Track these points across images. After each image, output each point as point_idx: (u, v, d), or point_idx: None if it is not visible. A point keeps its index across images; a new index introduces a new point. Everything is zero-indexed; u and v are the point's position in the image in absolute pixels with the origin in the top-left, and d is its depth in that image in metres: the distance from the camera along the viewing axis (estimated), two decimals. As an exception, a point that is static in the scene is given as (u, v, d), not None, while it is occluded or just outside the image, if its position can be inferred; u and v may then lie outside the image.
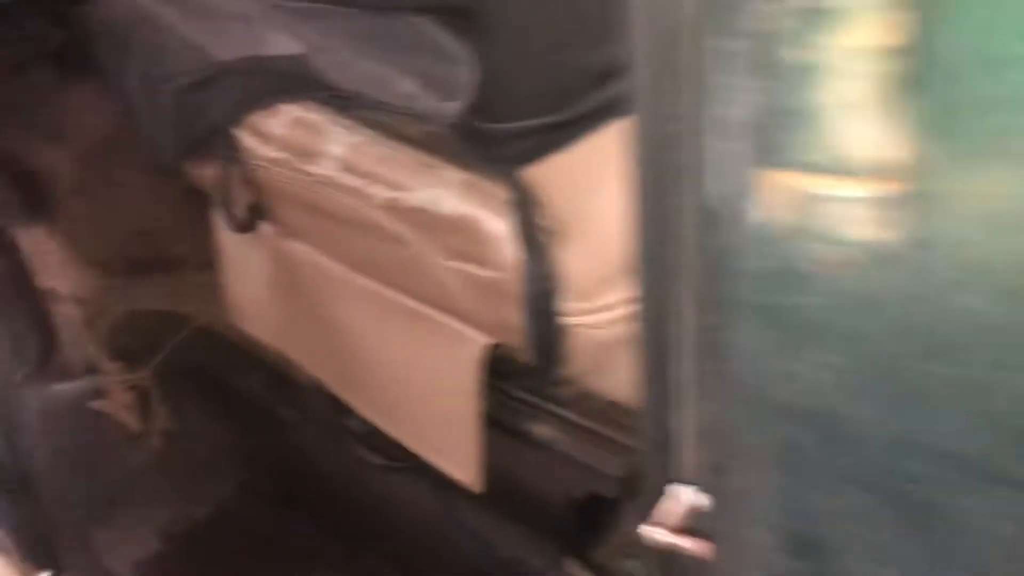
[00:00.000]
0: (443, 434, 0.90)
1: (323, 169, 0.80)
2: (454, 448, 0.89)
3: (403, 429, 0.94)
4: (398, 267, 0.83)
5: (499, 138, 0.65)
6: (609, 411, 0.87)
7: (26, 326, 1.32)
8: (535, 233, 0.65)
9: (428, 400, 0.90)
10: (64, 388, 1.34)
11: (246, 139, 0.86)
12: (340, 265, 0.90)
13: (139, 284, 1.49)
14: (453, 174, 0.74)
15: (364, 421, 1.19)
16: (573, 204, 0.64)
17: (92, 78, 1.66)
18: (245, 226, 0.92)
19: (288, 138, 0.82)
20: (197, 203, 1.56)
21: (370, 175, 0.78)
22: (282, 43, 0.88)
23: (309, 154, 0.81)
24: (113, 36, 0.93)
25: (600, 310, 0.65)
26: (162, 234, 1.55)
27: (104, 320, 1.41)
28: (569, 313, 0.67)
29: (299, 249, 0.95)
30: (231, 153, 0.88)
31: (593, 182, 0.62)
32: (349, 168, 0.79)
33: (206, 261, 1.52)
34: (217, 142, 0.89)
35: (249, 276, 1.10)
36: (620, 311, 0.65)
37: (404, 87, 0.85)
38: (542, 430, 0.93)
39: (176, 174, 1.60)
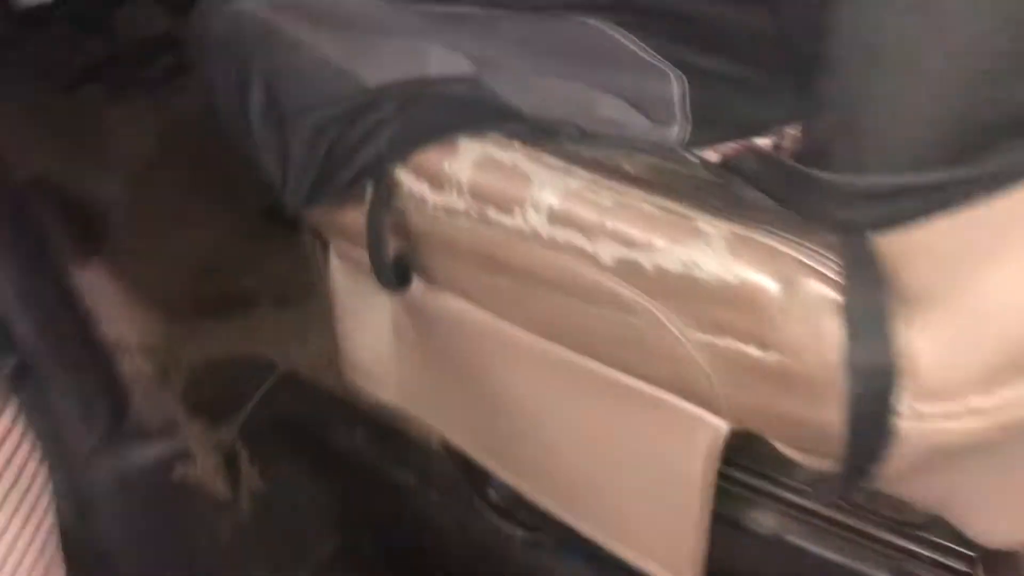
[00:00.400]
0: (655, 531, 0.73)
1: (525, 222, 0.63)
2: (669, 549, 0.73)
3: (595, 521, 0.78)
4: (613, 336, 0.66)
5: (846, 193, 0.48)
6: (867, 502, 0.71)
7: (95, 386, 1.14)
8: (876, 311, 0.49)
9: (636, 491, 0.73)
10: (140, 453, 1.16)
11: (410, 183, 0.69)
12: (519, 328, 0.74)
13: (212, 327, 1.31)
14: (714, 226, 0.57)
15: (505, 490, 1.03)
16: (942, 279, 0.47)
17: (137, 95, 1.50)
18: (398, 283, 0.75)
19: (477, 183, 0.64)
20: (262, 230, 1.40)
21: (593, 229, 0.60)
22: (444, 60, 0.71)
23: (507, 203, 0.63)
24: (224, 56, 0.76)
25: (961, 415, 0.49)
26: (229, 267, 1.38)
27: (179, 372, 1.23)
28: (911, 414, 0.51)
29: (455, 306, 0.77)
30: (385, 199, 0.71)
31: (981, 252, 0.45)
32: (563, 220, 0.61)
33: (281, 296, 1.35)
34: (366, 185, 0.72)
35: (374, 331, 0.92)
36: (996, 417, 0.49)
37: (607, 110, 0.68)
38: (765, 519, 0.77)
39: (239, 200, 1.44)
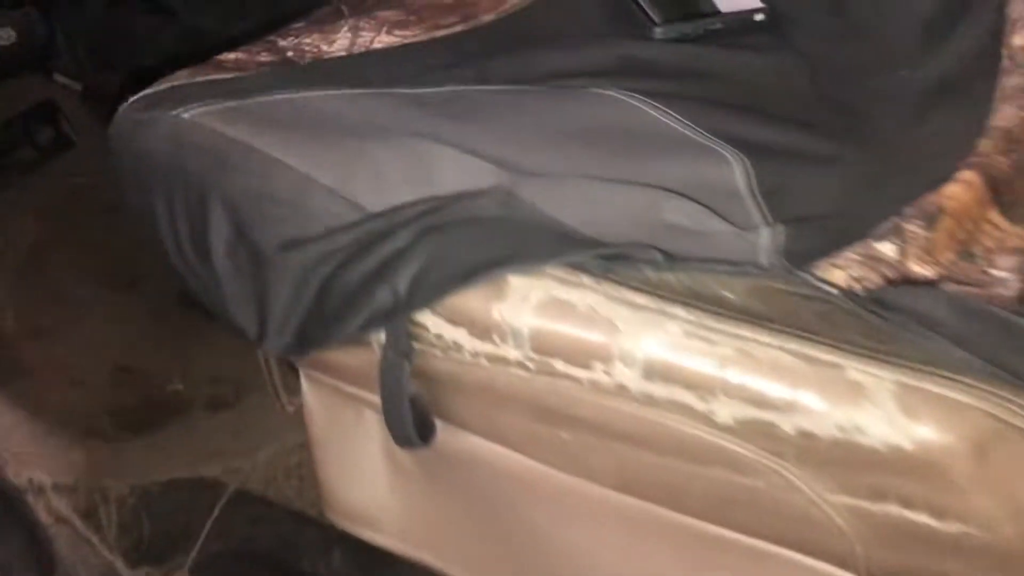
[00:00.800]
0: None
1: (609, 377, 0.49)
2: None
3: None
4: (718, 495, 0.52)
5: None
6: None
7: (10, 545, 0.94)
8: None
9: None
10: (76, 618, 0.98)
11: (439, 327, 0.52)
12: (581, 479, 0.60)
13: (140, 446, 1.10)
14: (872, 376, 0.43)
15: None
16: None
17: (15, 178, 1.28)
18: (420, 440, 0.60)
19: (544, 333, 0.48)
20: (181, 319, 1.21)
21: (707, 385, 0.46)
22: (460, 167, 0.55)
23: (584, 357, 0.48)
24: (166, 179, 0.58)
25: None
26: (149, 369, 1.18)
27: (109, 509, 1.03)
28: None
29: (489, 451, 0.62)
30: (405, 350, 0.55)
31: None
32: (664, 375, 0.46)
33: (216, 397, 1.16)
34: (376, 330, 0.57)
35: (362, 463, 0.76)
36: None
37: (675, 214, 0.54)
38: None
39: (148, 285, 1.24)
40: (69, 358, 1.14)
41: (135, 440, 1.08)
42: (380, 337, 0.56)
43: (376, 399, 0.61)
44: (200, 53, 0.88)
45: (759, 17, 0.69)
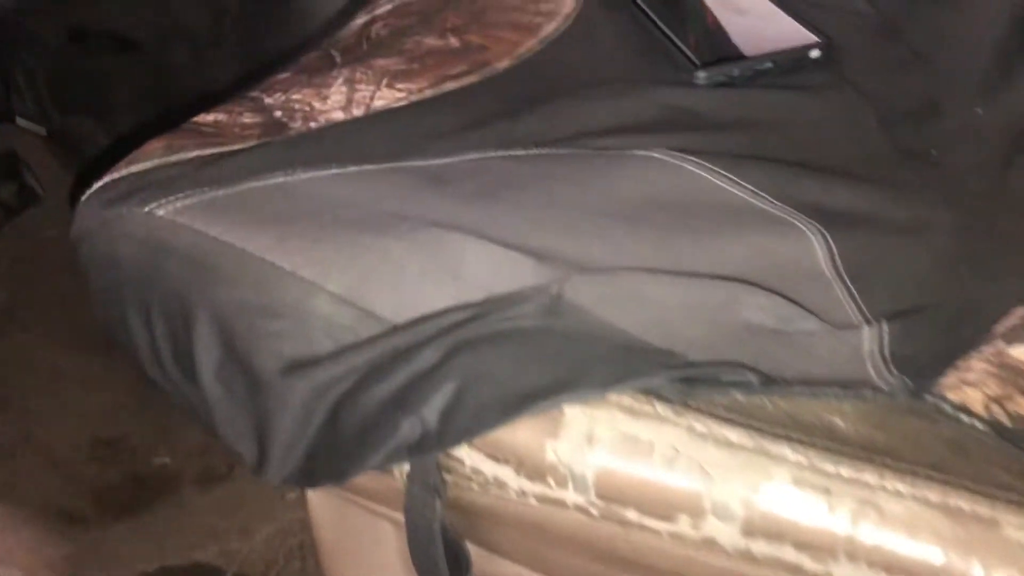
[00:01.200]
0: None
1: (696, 530, 0.41)
2: None
3: None
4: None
5: None
6: None
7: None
8: None
9: None
10: None
11: (477, 462, 0.44)
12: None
13: (126, 530, 1.01)
14: None
15: None
16: None
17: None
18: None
19: (613, 478, 0.38)
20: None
21: (827, 547, 0.38)
22: (492, 262, 0.46)
23: (665, 509, 0.39)
24: (139, 287, 0.49)
25: None
26: (131, 441, 1.08)
27: (93, 607, 0.94)
28: None
29: (522, 573, 0.54)
30: (435, 487, 0.46)
31: None
32: (770, 533, 0.37)
33: (206, 470, 1.07)
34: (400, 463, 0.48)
35: (376, 571, 0.68)
36: None
37: (758, 313, 0.44)
38: None
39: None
40: (43, 433, 1.04)
41: (120, 524, 0.99)
42: (404, 466, 0.47)
43: (393, 514, 0.52)
44: (171, 91, 0.78)
45: (815, 54, 0.61)
